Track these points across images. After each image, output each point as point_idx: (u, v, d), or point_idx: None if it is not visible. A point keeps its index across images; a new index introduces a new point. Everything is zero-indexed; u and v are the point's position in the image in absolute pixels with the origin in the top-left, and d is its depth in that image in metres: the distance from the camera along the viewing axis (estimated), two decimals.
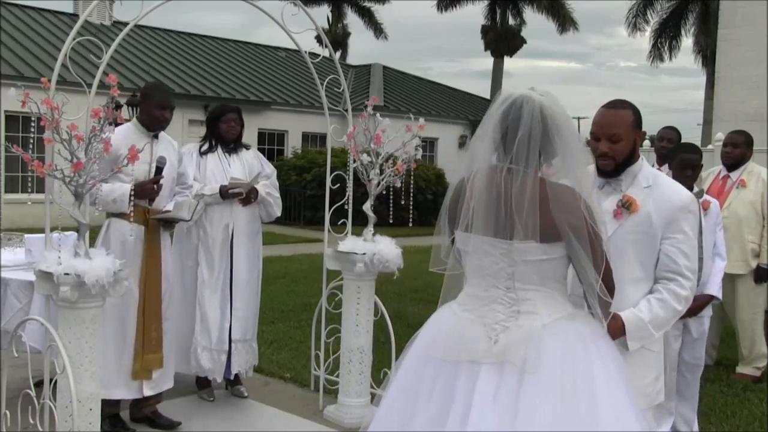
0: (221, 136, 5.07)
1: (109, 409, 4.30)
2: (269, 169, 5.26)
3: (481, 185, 2.31)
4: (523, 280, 2.32)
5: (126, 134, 4.32)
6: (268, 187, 5.14)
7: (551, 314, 2.32)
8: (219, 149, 5.08)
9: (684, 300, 2.75)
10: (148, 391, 4.42)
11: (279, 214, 5.27)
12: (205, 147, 5.09)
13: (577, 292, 2.52)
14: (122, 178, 3.99)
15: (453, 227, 2.45)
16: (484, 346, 2.28)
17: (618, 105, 2.85)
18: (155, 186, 4.31)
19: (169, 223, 4.48)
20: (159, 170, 4.34)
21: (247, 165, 5.11)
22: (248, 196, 4.96)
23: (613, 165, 2.80)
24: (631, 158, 2.81)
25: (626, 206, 2.76)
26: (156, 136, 4.49)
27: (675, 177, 4.48)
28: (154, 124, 4.45)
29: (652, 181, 2.80)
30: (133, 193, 3.98)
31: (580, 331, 2.33)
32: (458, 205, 2.40)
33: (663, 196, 2.76)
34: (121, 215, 4.22)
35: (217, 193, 4.89)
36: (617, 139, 2.76)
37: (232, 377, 5.10)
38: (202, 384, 5.13)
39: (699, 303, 4.40)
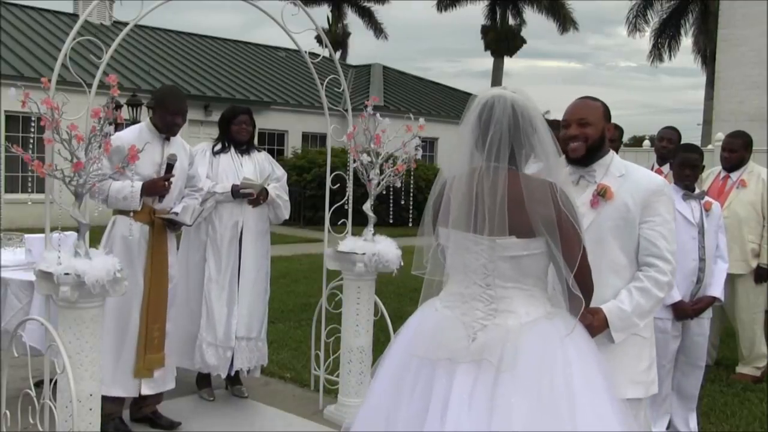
0: (233, 137, 5.10)
1: (112, 408, 4.30)
2: (280, 171, 5.29)
3: (460, 184, 2.36)
4: (502, 277, 2.34)
5: (139, 135, 4.34)
6: (278, 190, 5.17)
7: (529, 313, 2.33)
8: (232, 150, 5.12)
9: (666, 285, 2.80)
10: (146, 390, 4.41)
11: (287, 216, 5.30)
12: (218, 147, 5.12)
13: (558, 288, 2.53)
14: (131, 176, 3.97)
15: (436, 225, 2.49)
16: (463, 344, 2.30)
17: (588, 97, 2.99)
18: (166, 183, 4.31)
19: (173, 224, 4.49)
20: (170, 167, 4.36)
21: (259, 166, 5.15)
22: (257, 197, 4.99)
23: (584, 149, 2.87)
24: (601, 147, 2.91)
25: (601, 194, 2.84)
26: (168, 138, 4.50)
27: (675, 176, 4.50)
28: (166, 128, 4.46)
29: (624, 171, 2.90)
30: (142, 190, 4.00)
31: (558, 329, 2.34)
32: (440, 204, 2.44)
33: (637, 182, 2.85)
34: (126, 213, 4.22)
35: (228, 192, 4.93)
36: (585, 123, 2.87)
37: (233, 374, 5.11)
38: (203, 383, 5.13)
39: (702, 305, 4.41)
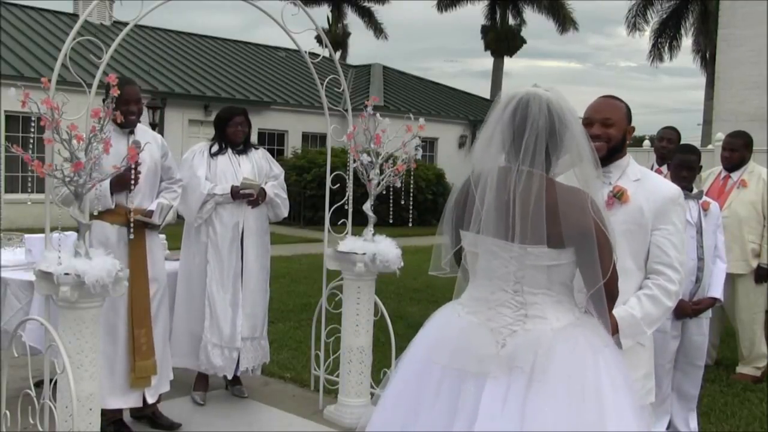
0: (229, 139, 5.10)
1: (112, 413, 4.29)
2: (277, 169, 5.29)
3: (491, 187, 2.26)
4: (531, 284, 2.28)
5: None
6: (276, 188, 5.18)
7: (559, 319, 2.28)
8: (229, 151, 5.12)
9: (674, 295, 2.78)
10: (150, 399, 4.39)
11: (286, 214, 5.32)
12: (215, 149, 5.12)
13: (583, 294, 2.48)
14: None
15: (459, 227, 2.41)
16: (492, 351, 2.24)
17: (612, 96, 2.96)
18: (132, 172, 4.06)
19: (146, 224, 4.36)
20: None
21: (257, 165, 5.15)
22: (256, 197, 4.99)
23: (605, 149, 2.83)
24: (621, 149, 2.88)
25: (617, 196, 2.81)
26: (132, 132, 4.36)
27: (672, 177, 4.49)
28: (123, 119, 4.21)
29: (641, 176, 2.87)
30: (111, 185, 3.91)
31: (588, 338, 2.29)
32: (465, 206, 2.35)
33: (653, 188, 2.83)
34: (102, 217, 4.14)
35: (228, 194, 4.93)
36: (610, 123, 2.84)
37: (239, 374, 5.11)
38: (199, 385, 5.11)
39: (702, 305, 4.41)
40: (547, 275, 2.28)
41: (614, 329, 2.65)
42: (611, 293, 2.38)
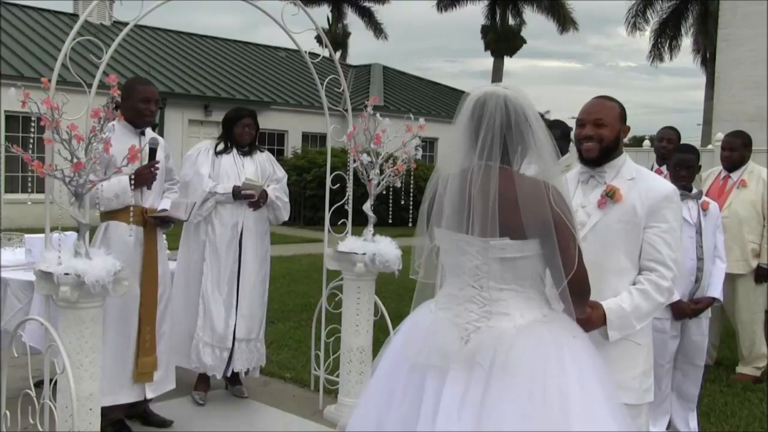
0: (235, 139, 5.10)
1: (114, 413, 4.29)
2: (281, 173, 5.30)
3: (453, 184, 2.31)
4: (497, 279, 2.30)
5: (113, 135, 4.25)
6: (278, 191, 5.18)
7: (524, 315, 2.29)
8: (234, 151, 5.12)
9: (666, 291, 2.77)
10: (150, 393, 4.40)
11: (287, 218, 5.31)
12: (221, 147, 5.12)
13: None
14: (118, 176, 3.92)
15: (430, 225, 2.45)
16: (455, 346, 2.26)
17: (605, 97, 2.95)
18: (152, 170, 4.18)
19: (164, 222, 4.43)
20: (153, 152, 4.21)
21: (260, 167, 5.15)
22: (258, 199, 4.99)
23: (598, 150, 2.84)
24: (615, 149, 2.88)
25: (610, 195, 2.81)
26: (143, 133, 4.37)
27: (671, 177, 4.49)
28: (139, 119, 4.27)
29: (636, 174, 2.87)
30: (132, 183, 3.94)
31: (553, 333, 2.29)
32: (434, 204, 2.40)
33: (647, 187, 2.82)
34: (118, 217, 4.17)
35: (229, 193, 4.93)
36: (602, 124, 2.84)
37: (229, 374, 5.10)
38: (200, 385, 5.11)
39: (702, 305, 4.42)
40: (512, 269, 2.29)
41: (602, 320, 2.66)
42: (581, 287, 2.37)
